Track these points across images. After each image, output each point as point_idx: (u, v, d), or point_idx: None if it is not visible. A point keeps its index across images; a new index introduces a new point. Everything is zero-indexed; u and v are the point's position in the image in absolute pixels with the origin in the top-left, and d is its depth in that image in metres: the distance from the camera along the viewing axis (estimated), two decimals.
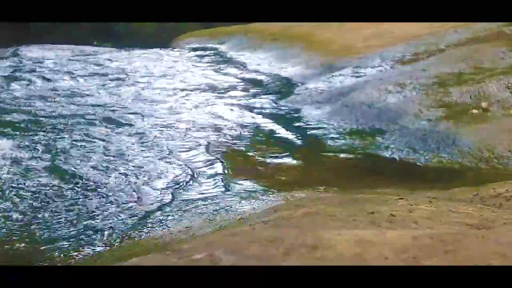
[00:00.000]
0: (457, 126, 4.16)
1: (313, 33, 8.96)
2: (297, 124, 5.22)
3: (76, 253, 2.63)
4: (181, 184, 3.61)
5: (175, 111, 5.68)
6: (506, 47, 5.43)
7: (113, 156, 4.13)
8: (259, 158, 4.18)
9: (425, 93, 4.91)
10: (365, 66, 6.61)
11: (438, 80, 5.13)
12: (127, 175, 3.75)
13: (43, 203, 3.24)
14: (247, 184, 3.56)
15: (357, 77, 6.30)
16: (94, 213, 3.14)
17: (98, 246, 2.70)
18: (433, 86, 5.02)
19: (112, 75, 7.73)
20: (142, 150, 4.31)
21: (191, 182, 3.64)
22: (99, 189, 3.49)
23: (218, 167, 3.93)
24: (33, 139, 4.42)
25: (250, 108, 5.88)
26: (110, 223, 3.00)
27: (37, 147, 4.23)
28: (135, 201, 3.32)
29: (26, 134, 4.59)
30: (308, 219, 1.96)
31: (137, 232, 2.80)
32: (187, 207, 3.15)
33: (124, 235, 2.78)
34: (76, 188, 3.48)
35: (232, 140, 4.66)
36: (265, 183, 3.57)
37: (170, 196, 3.40)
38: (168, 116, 5.45)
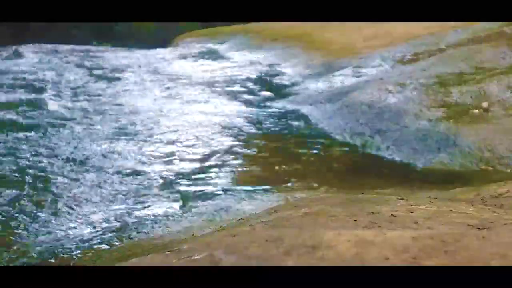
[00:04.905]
0: (457, 126, 4.15)
1: (313, 33, 8.97)
2: (297, 124, 5.22)
3: (75, 253, 2.62)
4: (180, 184, 3.61)
5: (173, 111, 5.67)
6: (507, 47, 5.43)
7: (112, 156, 4.13)
8: (259, 158, 4.18)
9: (426, 93, 4.90)
10: (365, 66, 6.62)
11: (438, 80, 5.13)
12: (124, 174, 3.75)
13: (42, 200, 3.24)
14: (247, 184, 3.56)
15: (357, 77, 6.30)
16: (93, 212, 3.14)
17: (98, 246, 2.69)
18: (434, 86, 5.02)
19: (112, 75, 7.73)
20: (138, 150, 4.31)
21: (190, 182, 3.64)
22: (98, 189, 3.49)
23: (217, 167, 3.93)
24: (33, 138, 4.42)
25: (249, 108, 5.88)
26: (110, 223, 2.99)
27: (38, 147, 4.23)
28: (132, 201, 3.32)
29: (26, 132, 4.59)
30: (308, 219, 1.96)
31: (136, 232, 2.80)
32: (187, 207, 3.15)
33: (124, 235, 2.78)
34: (75, 186, 3.49)
35: (231, 140, 4.66)
36: (265, 183, 3.57)
37: (169, 196, 3.39)
38: (167, 116, 5.45)
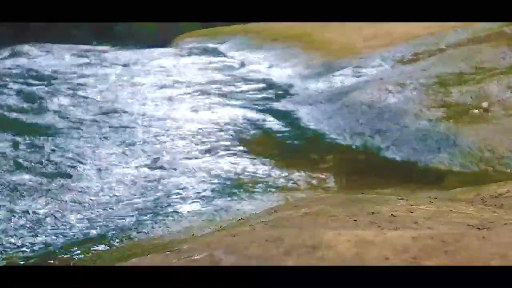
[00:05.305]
0: (457, 126, 4.15)
1: (313, 33, 8.97)
2: (297, 124, 5.22)
3: (75, 253, 2.62)
4: (180, 184, 3.61)
5: (173, 111, 5.67)
6: (507, 47, 5.43)
7: (111, 156, 4.13)
8: (259, 158, 4.18)
9: (426, 93, 4.90)
10: (365, 66, 6.62)
11: (438, 80, 5.13)
12: (123, 174, 3.75)
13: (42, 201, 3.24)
14: (247, 185, 3.56)
15: (357, 77, 6.30)
16: (93, 213, 3.14)
17: (98, 246, 2.69)
18: (434, 86, 5.02)
19: (111, 75, 7.73)
20: (137, 150, 4.31)
21: (190, 182, 3.64)
22: (97, 189, 3.49)
23: (217, 167, 3.93)
24: (32, 138, 4.42)
25: (250, 108, 5.87)
26: (110, 224, 2.99)
27: (36, 146, 4.23)
28: (133, 201, 3.32)
29: (25, 133, 4.59)
30: (308, 219, 1.96)
31: (136, 232, 2.80)
32: (187, 208, 3.15)
33: (123, 235, 2.78)
34: (73, 187, 3.48)
35: (231, 140, 4.66)
36: (265, 183, 3.57)
37: (169, 197, 3.39)
38: (166, 116, 5.44)
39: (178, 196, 3.40)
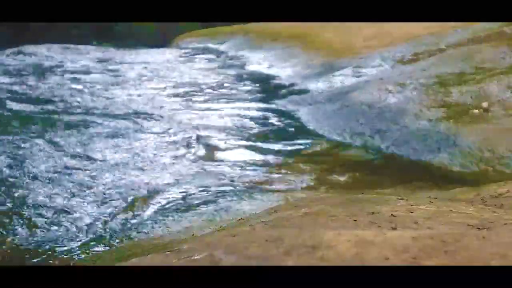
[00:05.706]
0: (457, 126, 4.15)
1: (313, 33, 8.97)
2: (296, 124, 5.22)
3: (75, 253, 2.62)
4: (180, 184, 3.61)
5: (172, 111, 5.67)
6: (507, 47, 5.43)
7: (110, 156, 4.13)
8: (259, 158, 4.18)
9: (426, 93, 4.90)
10: (365, 66, 6.62)
11: (438, 80, 5.13)
12: (123, 174, 3.75)
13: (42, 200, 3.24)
14: (247, 185, 3.56)
15: (357, 77, 6.30)
16: (92, 212, 3.14)
17: (98, 246, 2.69)
18: (434, 86, 5.02)
19: (111, 75, 7.73)
20: (137, 150, 4.31)
21: (190, 182, 3.64)
22: (96, 190, 3.49)
23: (217, 167, 3.93)
24: (32, 138, 4.42)
25: (249, 109, 5.88)
26: (109, 223, 2.99)
27: (36, 146, 4.23)
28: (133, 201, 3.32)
29: (25, 133, 4.59)
30: (308, 219, 1.96)
31: (136, 232, 2.80)
32: (187, 208, 3.15)
33: (123, 235, 2.78)
34: (73, 186, 3.48)
35: (231, 140, 4.66)
36: (265, 183, 3.57)
37: (168, 197, 3.39)
38: (166, 116, 5.44)
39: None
